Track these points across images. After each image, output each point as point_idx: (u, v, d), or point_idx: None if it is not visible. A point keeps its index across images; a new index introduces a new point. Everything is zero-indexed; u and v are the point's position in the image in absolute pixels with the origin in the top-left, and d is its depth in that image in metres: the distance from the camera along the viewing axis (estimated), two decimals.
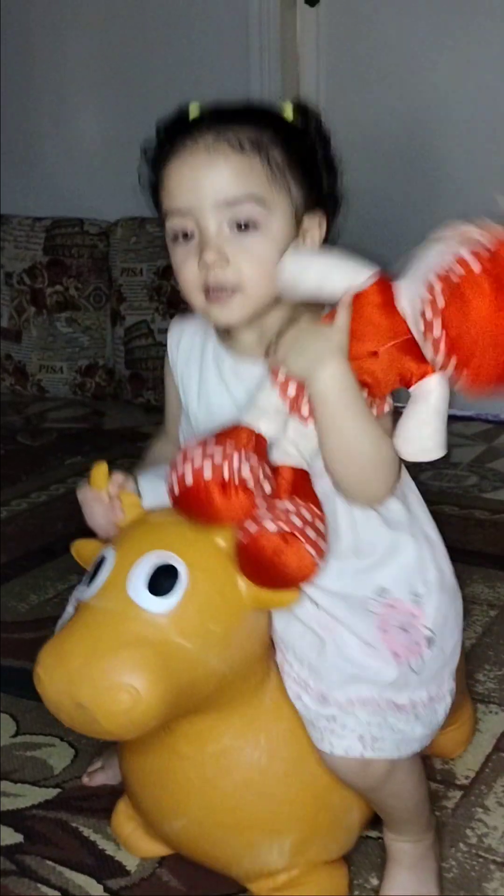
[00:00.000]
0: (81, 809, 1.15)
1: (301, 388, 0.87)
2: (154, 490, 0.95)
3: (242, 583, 0.87)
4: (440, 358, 0.83)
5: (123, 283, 2.72)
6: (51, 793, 1.18)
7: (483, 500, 2.03)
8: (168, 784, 0.94)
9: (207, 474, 0.83)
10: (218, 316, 0.92)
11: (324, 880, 0.97)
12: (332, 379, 0.84)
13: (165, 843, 1.01)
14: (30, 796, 1.17)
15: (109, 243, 2.76)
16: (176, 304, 2.63)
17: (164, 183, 0.91)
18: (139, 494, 0.96)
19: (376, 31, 2.49)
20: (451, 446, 2.53)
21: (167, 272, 2.65)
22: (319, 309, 0.91)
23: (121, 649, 0.81)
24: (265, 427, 0.87)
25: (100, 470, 0.96)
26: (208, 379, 0.98)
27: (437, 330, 0.82)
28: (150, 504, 0.95)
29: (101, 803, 1.14)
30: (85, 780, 1.19)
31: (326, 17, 2.55)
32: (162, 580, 0.84)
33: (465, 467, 2.22)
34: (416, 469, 2.35)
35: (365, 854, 1.05)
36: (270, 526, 0.83)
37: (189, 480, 0.83)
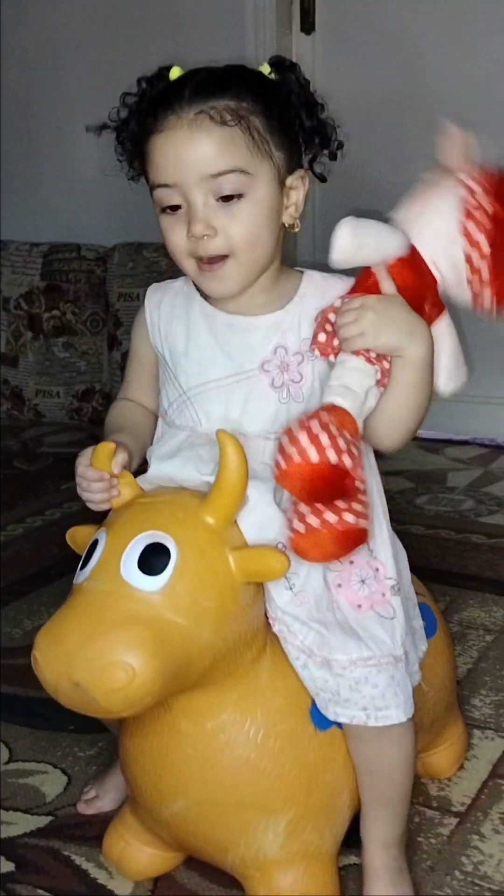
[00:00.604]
0: (74, 837, 1.13)
1: (384, 358, 0.91)
2: (152, 466, 0.98)
3: (232, 558, 0.89)
4: (485, 296, 0.93)
5: (120, 307, 2.73)
6: (43, 821, 1.17)
7: (479, 525, 2.03)
8: (167, 764, 0.94)
9: (314, 457, 0.84)
10: (210, 287, 0.96)
11: (318, 889, 0.97)
12: (427, 343, 0.91)
13: (163, 832, 1.00)
14: (22, 824, 1.16)
15: (106, 268, 2.77)
16: None
17: (150, 156, 0.95)
18: (136, 460, 1.00)
19: (371, 58, 2.52)
20: (447, 471, 2.53)
21: None
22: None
23: (115, 628, 0.83)
24: (348, 404, 0.90)
25: (105, 449, 0.97)
26: (198, 335, 1.00)
27: (486, 272, 0.92)
28: (149, 478, 0.98)
29: (94, 831, 1.13)
30: (81, 807, 1.18)
31: (322, 45, 2.58)
32: (153, 559, 0.86)
33: (462, 491, 2.22)
34: (412, 494, 2.34)
35: (346, 880, 1.04)
36: (350, 518, 0.85)
37: (297, 459, 0.84)
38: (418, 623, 1.04)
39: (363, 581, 0.97)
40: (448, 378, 0.97)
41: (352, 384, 0.91)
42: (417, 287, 0.93)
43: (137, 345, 1.07)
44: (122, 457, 0.96)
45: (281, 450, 0.86)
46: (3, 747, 1.31)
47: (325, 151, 1.00)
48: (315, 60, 2.59)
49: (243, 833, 0.95)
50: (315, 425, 0.85)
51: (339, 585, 0.96)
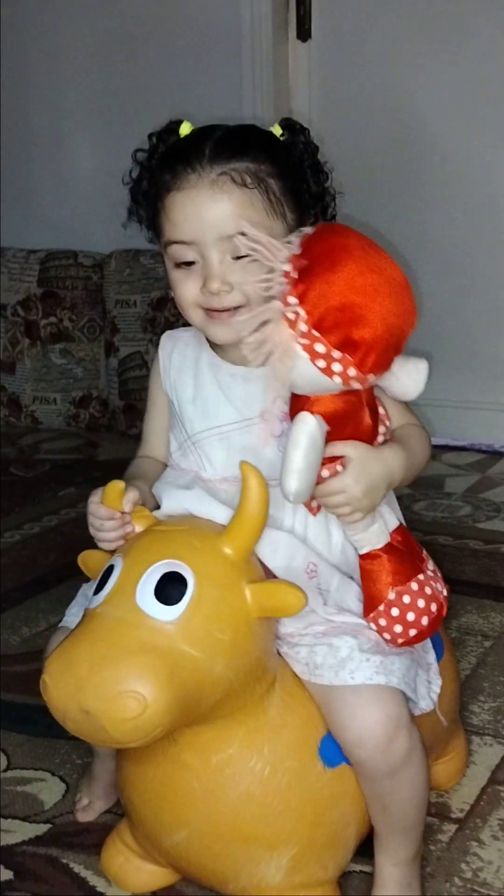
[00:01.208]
0: (72, 845, 1.13)
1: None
2: (169, 498, 0.98)
3: (249, 591, 0.88)
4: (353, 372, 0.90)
5: (117, 314, 2.73)
6: (41, 828, 1.16)
7: (477, 531, 2.03)
8: (170, 795, 0.93)
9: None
10: (217, 333, 0.99)
11: None
12: (402, 468, 0.96)
13: (163, 860, 0.99)
14: (20, 832, 1.16)
15: (103, 275, 2.78)
16: None
17: (168, 212, 0.97)
18: (150, 504, 1.00)
19: (367, 65, 2.52)
20: (444, 476, 2.54)
21: (161, 304, 2.66)
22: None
23: (128, 656, 0.82)
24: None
25: (114, 489, 0.97)
26: (204, 386, 1.03)
27: (337, 366, 0.90)
28: (165, 511, 0.98)
29: (92, 839, 1.13)
30: (79, 816, 1.18)
31: (318, 52, 2.58)
32: (169, 588, 0.86)
33: (459, 497, 2.22)
34: (409, 500, 2.34)
35: (346, 888, 1.04)
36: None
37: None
38: (432, 657, 1.03)
39: None
40: (414, 380, 0.95)
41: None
42: (341, 411, 0.93)
43: (154, 392, 1.10)
44: (132, 494, 0.96)
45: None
46: (2, 755, 1.31)
47: (322, 220, 1.02)
48: (311, 68, 2.60)
49: (245, 866, 0.94)
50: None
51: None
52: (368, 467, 0.93)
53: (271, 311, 0.89)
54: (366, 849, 1.01)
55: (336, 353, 0.88)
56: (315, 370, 0.89)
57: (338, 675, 0.94)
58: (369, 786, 0.95)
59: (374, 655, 0.95)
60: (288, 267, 0.89)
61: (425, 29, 2.45)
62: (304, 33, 2.58)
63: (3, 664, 1.53)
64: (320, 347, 0.88)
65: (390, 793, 0.95)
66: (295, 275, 0.89)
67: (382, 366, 0.91)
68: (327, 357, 0.88)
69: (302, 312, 0.88)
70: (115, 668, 0.81)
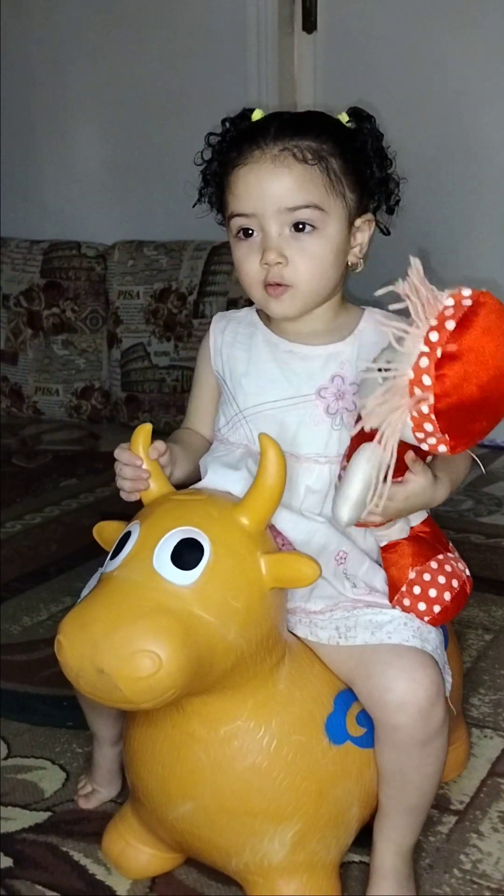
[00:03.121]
0: (72, 833, 1.13)
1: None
2: (215, 473, 1.00)
3: (263, 561, 0.89)
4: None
5: (120, 305, 2.73)
6: (41, 816, 1.17)
7: (478, 525, 2.03)
8: (177, 766, 0.94)
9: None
10: (276, 309, 1.01)
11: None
12: (440, 502, 0.97)
13: (167, 835, 1.00)
14: (20, 820, 1.16)
15: (107, 266, 2.77)
16: (172, 328, 2.64)
17: (232, 187, 1.00)
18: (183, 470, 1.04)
19: (373, 57, 2.51)
20: None
21: (164, 295, 2.66)
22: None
23: (144, 617, 0.83)
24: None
25: (142, 431, 0.98)
26: (259, 359, 1.05)
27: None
28: (206, 486, 1.00)
29: (92, 827, 1.13)
30: (82, 802, 1.18)
31: (324, 44, 2.57)
32: (186, 554, 0.87)
33: (461, 491, 2.22)
34: None
35: (346, 878, 1.04)
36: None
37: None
38: (443, 650, 1.04)
39: None
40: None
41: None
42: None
43: (199, 370, 1.12)
44: (159, 444, 0.99)
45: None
46: (2, 743, 1.31)
47: (385, 206, 1.05)
48: (316, 59, 2.59)
49: (249, 840, 0.94)
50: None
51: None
52: (421, 497, 0.94)
53: (400, 392, 0.86)
54: (365, 840, 1.01)
55: (439, 434, 0.87)
56: (410, 434, 0.88)
57: (374, 634, 0.96)
58: (397, 756, 0.95)
59: (412, 621, 0.97)
60: (433, 323, 0.85)
61: (431, 21, 2.43)
62: (309, 25, 2.58)
63: (4, 653, 1.53)
64: (429, 427, 0.86)
65: (417, 765, 0.95)
66: (435, 339, 0.84)
67: (469, 447, 0.91)
68: (431, 434, 0.87)
69: (430, 398, 0.84)
70: (130, 628, 0.82)
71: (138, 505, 0.98)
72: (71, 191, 2.95)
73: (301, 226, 0.98)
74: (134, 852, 1.05)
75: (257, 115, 1.04)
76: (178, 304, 2.63)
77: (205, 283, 2.58)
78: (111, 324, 2.76)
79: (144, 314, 2.69)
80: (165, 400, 2.65)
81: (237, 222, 1.00)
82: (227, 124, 1.05)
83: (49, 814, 1.17)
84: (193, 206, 1.06)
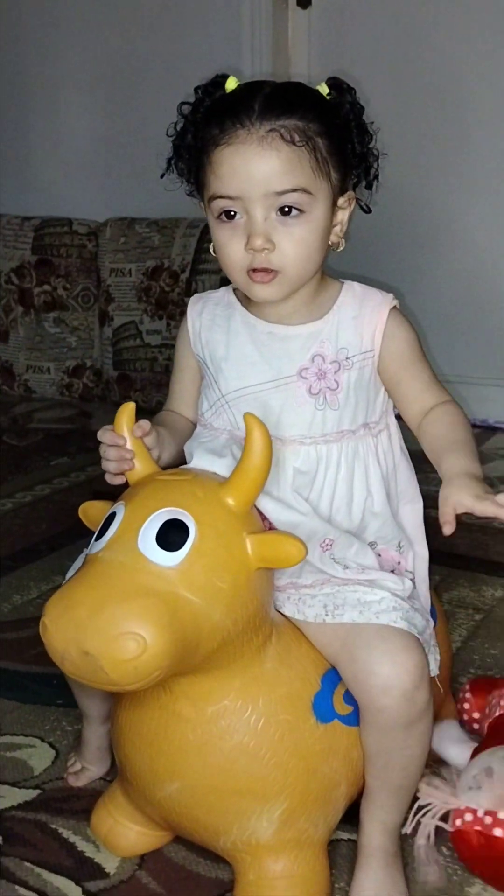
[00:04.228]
0: (61, 811, 1.13)
1: None
2: (200, 459, 0.98)
3: (249, 542, 0.89)
4: None
5: (112, 283, 2.71)
6: (30, 794, 1.17)
7: None
8: (164, 745, 0.94)
9: None
10: (259, 294, 0.98)
11: (308, 876, 0.97)
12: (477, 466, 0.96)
13: (155, 814, 1.00)
14: (9, 797, 1.16)
15: (98, 243, 2.75)
16: (164, 306, 2.63)
17: (214, 167, 0.96)
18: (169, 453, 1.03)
19: (368, 32, 2.49)
20: None
21: (156, 273, 2.64)
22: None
23: (129, 599, 0.83)
24: None
25: (125, 410, 0.97)
26: (238, 342, 1.03)
27: None
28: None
29: (81, 804, 1.13)
30: (72, 780, 1.18)
31: (318, 19, 2.55)
32: (172, 535, 0.86)
33: None
34: None
35: (334, 856, 1.04)
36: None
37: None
38: (432, 625, 1.04)
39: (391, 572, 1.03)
40: None
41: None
42: None
43: (180, 353, 1.10)
44: (145, 423, 0.98)
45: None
46: None
47: (364, 180, 1.03)
48: (311, 35, 2.56)
49: (237, 819, 0.94)
50: None
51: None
52: (461, 484, 0.93)
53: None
54: (353, 817, 1.01)
55: None
56: None
57: (362, 613, 0.96)
58: (381, 738, 0.95)
59: (401, 603, 0.97)
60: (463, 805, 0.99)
61: None
62: (304, 0, 2.55)
63: None
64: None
65: (401, 747, 0.95)
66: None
67: None
68: None
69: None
70: (115, 610, 0.82)
71: (128, 484, 0.98)
72: (62, 167, 2.93)
73: (288, 210, 0.95)
74: (122, 830, 1.05)
75: (231, 83, 0.99)
76: (170, 283, 2.62)
77: (197, 261, 2.57)
78: (103, 301, 2.75)
79: (136, 292, 2.68)
80: (157, 379, 2.64)
81: (220, 204, 0.97)
82: (200, 93, 1.00)
83: (38, 791, 1.17)
84: (162, 177, 1.02)
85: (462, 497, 0.91)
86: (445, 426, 1.01)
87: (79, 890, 1.02)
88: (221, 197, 0.96)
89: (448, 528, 0.95)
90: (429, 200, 2.49)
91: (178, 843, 1.07)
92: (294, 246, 0.96)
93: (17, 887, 1.02)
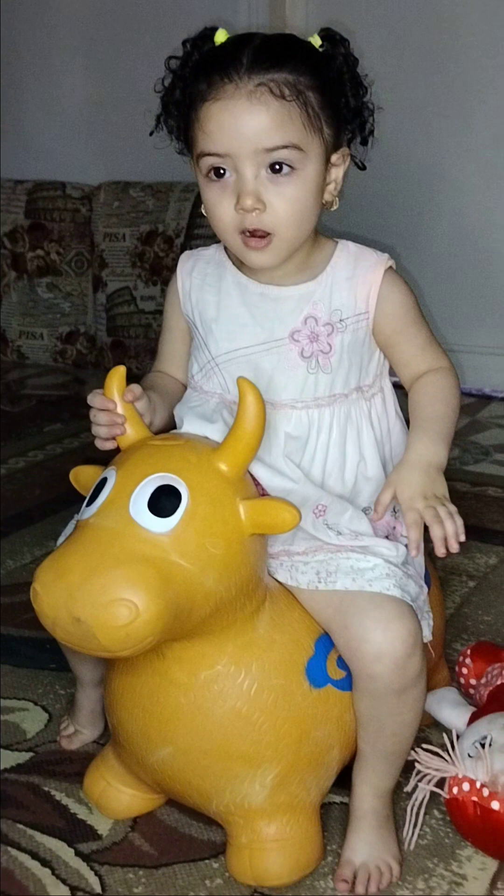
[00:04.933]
0: (54, 773, 1.14)
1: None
2: (191, 424, 0.97)
3: (242, 507, 0.88)
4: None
5: (106, 248, 2.69)
6: (23, 757, 1.17)
7: (464, 473, 2.03)
8: (157, 710, 0.94)
9: None
10: (255, 261, 0.96)
11: (300, 839, 0.97)
12: (439, 451, 0.96)
13: (148, 778, 1.00)
14: (2, 760, 1.16)
15: (92, 207, 2.72)
16: (159, 272, 2.60)
17: (202, 123, 0.93)
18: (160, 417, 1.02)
19: (369, 5, 2.45)
20: None
21: (150, 238, 2.62)
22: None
23: (121, 565, 0.82)
24: None
25: (115, 374, 0.96)
26: (229, 303, 1.01)
27: None
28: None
29: (74, 767, 1.14)
30: (65, 743, 1.18)
31: None
32: (164, 501, 0.85)
33: None
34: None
35: (327, 819, 1.05)
36: None
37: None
38: (426, 591, 1.04)
39: (386, 537, 1.02)
40: None
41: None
42: None
43: (169, 314, 1.08)
44: (136, 387, 0.96)
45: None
46: None
47: (359, 137, 1.00)
48: (308, 8, 2.52)
49: (230, 783, 0.95)
50: None
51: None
52: (409, 479, 0.94)
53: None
54: (346, 781, 1.01)
55: None
56: None
57: (355, 581, 0.95)
58: (373, 704, 0.95)
59: (395, 569, 0.96)
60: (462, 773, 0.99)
61: None
62: None
63: None
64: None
65: (393, 713, 0.95)
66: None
67: None
68: None
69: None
70: (107, 577, 0.81)
71: (119, 449, 0.97)
72: (56, 129, 2.89)
73: (279, 167, 0.92)
74: (115, 793, 1.05)
75: (220, 36, 0.96)
76: (164, 248, 2.59)
77: (192, 225, 2.54)
78: (96, 267, 2.72)
79: (130, 257, 2.65)
80: (152, 346, 2.62)
81: (208, 162, 0.93)
82: (188, 46, 0.96)
83: (31, 754, 1.17)
84: (151, 135, 0.99)
85: (403, 494, 0.93)
86: (426, 398, 1.00)
87: (71, 852, 1.02)
88: (210, 154, 0.93)
89: (377, 517, 0.97)
90: (427, 157, 2.46)
91: (171, 806, 1.07)
92: (286, 205, 0.93)
93: (9, 849, 1.02)
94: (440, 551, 0.92)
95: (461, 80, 2.41)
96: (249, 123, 0.91)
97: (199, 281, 1.03)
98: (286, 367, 0.99)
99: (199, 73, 0.94)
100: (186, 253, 1.07)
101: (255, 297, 1.00)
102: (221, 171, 0.93)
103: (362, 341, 1.00)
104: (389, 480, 0.96)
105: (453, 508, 0.93)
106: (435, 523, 0.91)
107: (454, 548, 0.92)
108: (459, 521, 0.93)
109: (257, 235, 0.94)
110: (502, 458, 2.13)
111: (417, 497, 0.93)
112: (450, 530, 0.91)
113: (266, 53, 0.92)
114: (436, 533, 0.92)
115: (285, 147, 0.91)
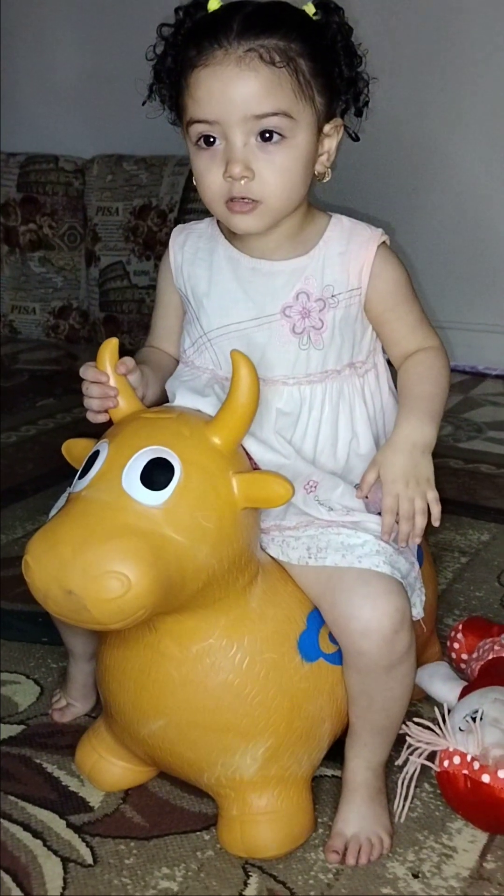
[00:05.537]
0: (46, 746, 1.14)
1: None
2: (183, 398, 0.97)
3: (235, 481, 0.88)
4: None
5: (99, 222, 2.67)
6: (15, 729, 1.17)
7: (457, 450, 2.03)
8: (149, 683, 0.94)
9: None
10: (239, 224, 0.95)
11: (291, 811, 0.98)
12: (426, 432, 0.97)
13: (139, 751, 1.00)
14: None
15: (85, 181, 2.70)
16: (152, 246, 2.59)
17: (191, 90, 0.92)
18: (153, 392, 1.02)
19: None
20: None
21: (143, 212, 2.60)
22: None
23: (113, 538, 0.82)
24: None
25: (108, 347, 0.95)
26: (221, 278, 1.00)
27: None
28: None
29: (66, 740, 1.14)
30: (57, 716, 1.18)
31: None
32: (156, 474, 0.85)
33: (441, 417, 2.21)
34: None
35: (318, 792, 1.05)
36: None
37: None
38: (418, 568, 1.04)
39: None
40: None
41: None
42: None
43: (162, 287, 1.07)
44: (129, 360, 0.96)
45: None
46: None
47: (353, 108, 0.98)
48: None
49: (221, 756, 0.95)
50: None
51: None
52: (393, 460, 0.95)
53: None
54: (337, 754, 1.02)
55: None
56: None
57: (345, 557, 0.95)
58: (362, 680, 0.95)
59: (385, 546, 0.96)
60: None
61: None
62: None
63: None
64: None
65: (382, 689, 0.95)
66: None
67: None
68: None
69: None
70: (99, 549, 0.81)
71: (111, 422, 0.96)
72: (48, 101, 2.86)
73: (268, 135, 0.90)
74: (107, 765, 1.06)
75: (214, 3, 0.94)
76: (158, 222, 2.58)
77: (186, 199, 2.52)
78: (89, 241, 2.70)
79: (123, 231, 2.63)
80: (145, 321, 2.61)
81: (197, 129, 0.92)
82: (181, 14, 0.95)
83: (23, 727, 1.17)
84: (143, 104, 0.98)
85: (386, 475, 0.95)
86: (415, 377, 1.00)
87: (63, 823, 1.02)
88: (199, 121, 0.92)
89: (360, 495, 0.97)
90: (423, 130, 2.44)
91: (163, 779, 1.07)
92: (275, 174, 0.91)
93: (1, 820, 1.03)
94: (401, 545, 0.96)
95: (457, 54, 2.39)
96: (239, 89, 0.89)
97: (192, 255, 1.03)
98: (278, 342, 0.98)
99: (189, 39, 0.93)
100: (179, 227, 1.06)
101: (246, 272, 0.99)
102: (211, 139, 0.92)
103: (355, 317, 1.00)
104: (375, 460, 0.97)
105: (433, 495, 0.95)
106: (405, 520, 0.95)
107: (414, 543, 0.97)
108: (437, 509, 0.95)
109: (244, 203, 0.93)
110: (495, 435, 2.13)
111: (399, 480, 0.94)
112: (416, 531, 0.95)
113: (257, 19, 0.91)
114: (403, 529, 0.95)
115: (275, 114, 0.90)
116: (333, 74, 0.95)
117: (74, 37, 2.79)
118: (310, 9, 0.95)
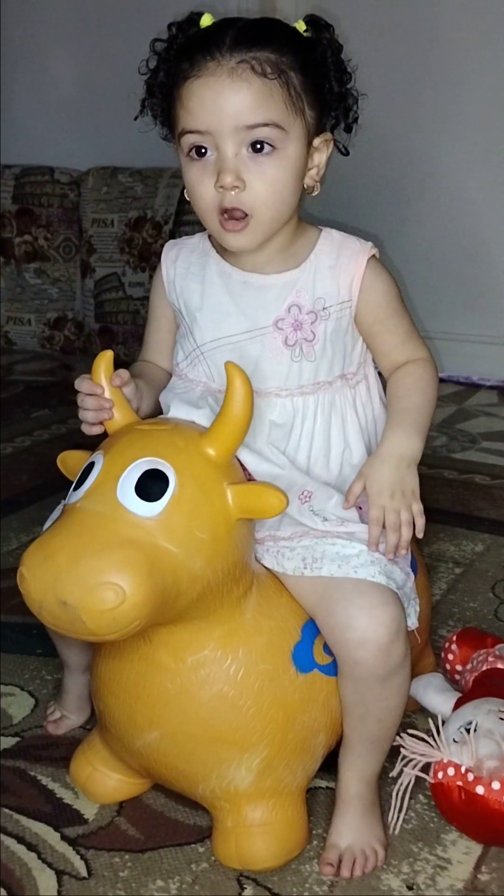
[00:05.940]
0: (40, 758, 1.14)
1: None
2: (177, 409, 0.98)
3: (230, 492, 0.88)
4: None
5: (94, 234, 2.67)
6: (10, 741, 1.17)
7: (451, 461, 2.03)
8: (144, 694, 0.94)
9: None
10: (232, 242, 0.96)
11: (285, 823, 0.97)
12: (413, 444, 0.99)
13: (134, 762, 1.00)
14: None
15: (80, 193, 2.71)
16: (147, 258, 2.59)
17: (184, 101, 0.93)
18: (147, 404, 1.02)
19: None
20: None
21: (138, 224, 2.61)
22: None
23: (108, 549, 0.82)
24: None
25: (103, 359, 0.96)
26: (213, 292, 1.01)
27: None
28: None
29: (60, 752, 1.14)
30: (51, 728, 1.18)
31: None
32: (151, 485, 0.85)
33: (436, 428, 2.22)
34: None
35: (312, 803, 1.05)
36: None
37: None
38: (413, 578, 1.04)
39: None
40: None
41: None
42: None
43: (155, 302, 1.08)
44: (124, 372, 0.96)
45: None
46: None
47: (343, 123, 1.00)
48: None
49: (216, 767, 0.95)
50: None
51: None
52: (379, 472, 0.96)
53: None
54: (331, 766, 1.02)
55: None
56: None
57: (340, 567, 0.95)
58: (357, 690, 0.95)
59: (380, 556, 0.96)
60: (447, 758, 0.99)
61: None
62: None
63: None
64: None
65: (377, 699, 0.95)
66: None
67: None
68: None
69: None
70: (94, 560, 0.81)
71: (106, 434, 0.96)
72: (44, 114, 2.87)
73: (259, 146, 0.92)
74: (101, 777, 1.06)
75: (206, 20, 0.96)
76: (153, 234, 2.58)
77: (181, 212, 2.53)
78: (84, 252, 2.71)
79: (119, 243, 2.64)
80: (140, 332, 2.60)
81: (189, 139, 0.93)
82: (174, 30, 0.97)
83: (18, 739, 1.17)
84: (136, 119, 0.99)
85: (372, 488, 0.96)
86: (403, 389, 1.01)
87: (57, 836, 1.02)
88: (191, 132, 0.93)
89: (347, 506, 0.98)
90: (413, 145, 2.46)
91: (157, 791, 1.07)
92: (266, 186, 0.92)
93: None
94: (388, 556, 0.96)
95: (446, 68, 2.40)
96: (231, 100, 0.90)
97: (184, 269, 1.03)
98: (270, 355, 0.99)
99: (182, 53, 0.94)
100: (171, 242, 1.07)
101: (238, 286, 1.00)
102: (203, 150, 0.93)
103: (346, 329, 1.00)
104: (361, 472, 0.98)
105: (418, 508, 0.96)
106: (392, 531, 0.96)
107: (400, 554, 0.97)
108: (421, 521, 0.96)
109: (235, 217, 0.93)
110: (489, 445, 2.13)
111: (385, 493, 0.96)
112: (402, 542, 0.96)
113: (249, 33, 0.92)
114: (390, 539, 0.96)
115: (266, 125, 0.91)
116: (324, 89, 0.96)
117: (70, 50, 2.80)
118: (301, 25, 0.97)
